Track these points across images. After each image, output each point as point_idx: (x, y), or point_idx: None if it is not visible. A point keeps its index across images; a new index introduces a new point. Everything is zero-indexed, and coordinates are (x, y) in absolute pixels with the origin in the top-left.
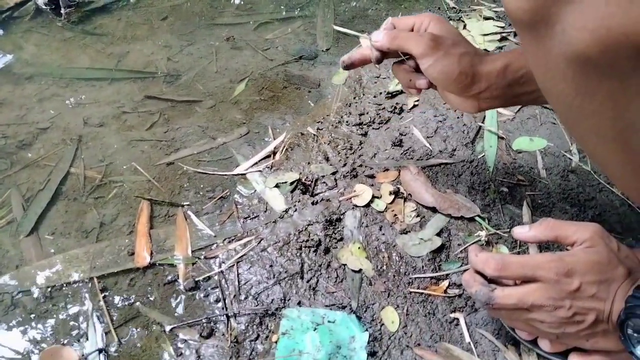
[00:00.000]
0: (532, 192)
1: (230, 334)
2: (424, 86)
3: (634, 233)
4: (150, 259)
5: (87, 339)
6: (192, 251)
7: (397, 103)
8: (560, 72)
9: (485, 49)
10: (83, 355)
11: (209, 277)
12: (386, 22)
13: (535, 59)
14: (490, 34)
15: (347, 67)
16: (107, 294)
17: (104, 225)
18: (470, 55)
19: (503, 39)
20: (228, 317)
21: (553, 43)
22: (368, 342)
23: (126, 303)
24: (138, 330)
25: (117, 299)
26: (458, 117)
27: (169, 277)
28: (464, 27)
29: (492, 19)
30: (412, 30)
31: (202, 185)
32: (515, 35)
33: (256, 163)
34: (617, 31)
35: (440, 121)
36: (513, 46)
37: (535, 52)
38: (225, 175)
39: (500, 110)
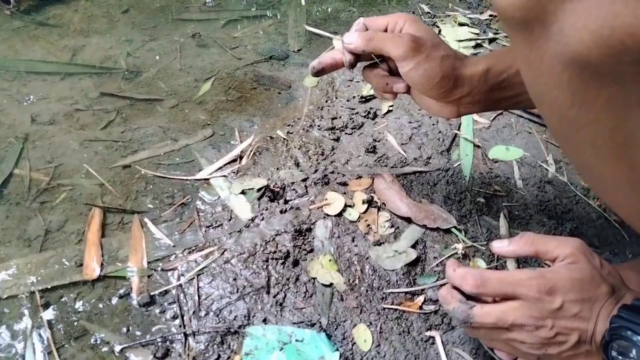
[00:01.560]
0: (509, 203)
1: (188, 355)
2: (402, 90)
3: (611, 247)
4: (101, 271)
5: None
6: (148, 262)
7: (370, 108)
8: (555, 78)
9: None
10: None
11: (166, 292)
12: (357, 22)
13: (527, 62)
14: (465, 40)
15: (318, 73)
16: (50, 309)
17: (50, 232)
18: (451, 58)
19: (478, 45)
20: (186, 336)
21: (548, 44)
22: None
23: (71, 320)
24: (84, 350)
25: (61, 315)
26: (433, 124)
27: (121, 291)
28: (439, 32)
29: (467, 25)
30: (385, 31)
31: (161, 191)
32: (490, 42)
33: (221, 167)
34: (622, 31)
35: (415, 128)
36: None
37: (528, 54)
38: (187, 180)
39: (476, 117)
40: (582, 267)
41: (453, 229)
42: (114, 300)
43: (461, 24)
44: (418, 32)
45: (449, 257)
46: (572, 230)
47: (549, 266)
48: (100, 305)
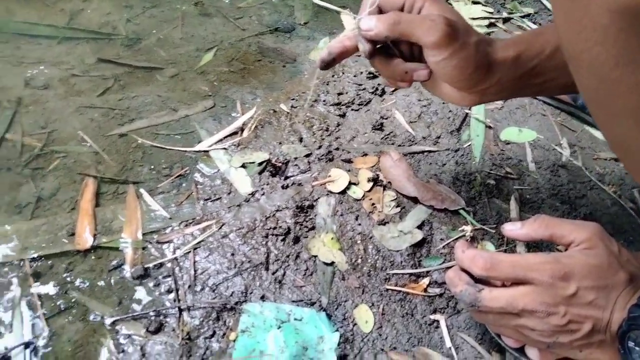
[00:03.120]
0: (521, 187)
1: (182, 330)
2: (424, 78)
3: (625, 235)
4: (94, 241)
5: (12, 331)
6: (143, 234)
7: (378, 84)
8: (599, 32)
9: None
10: (5, 349)
11: (161, 264)
12: (370, 2)
13: (567, 15)
14: (478, 18)
15: (328, 65)
16: (39, 279)
17: (42, 200)
18: (484, 44)
19: (491, 24)
20: (180, 311)
21: None
22: (338, 344)
23: (62, 290)
24: (74, 322)
25: (51, 285)
26: (444, 103)
27: (114, 263)
28: None
29: (480, 3)
30: (401, 11)
31: (158, 161)
32: (504, 21)
33: (221, 140)
34: None
35: (425, 106)
36: (502, 34)
37: (569, 5)
38: (186, 151)
39: None
40: (600, 252)
41: (461, 211)
42: (107, 272)
43: (474, 2)
44: (444, 13)
45: (457, 239)
46: (585, 216)
47: (561, 251)
48: (92, 277)
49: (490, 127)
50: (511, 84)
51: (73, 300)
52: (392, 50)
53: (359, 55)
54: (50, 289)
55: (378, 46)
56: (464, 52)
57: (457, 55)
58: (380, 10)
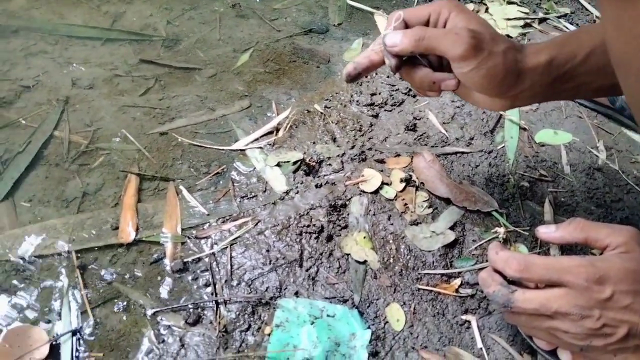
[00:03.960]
0: (555, 189)
1: (219, 323)
2: (453, 88)
3: None
4: (136, 235)
5: (60, 319)
6: (182, 229)
7: None
8: None
9: (507, 35)
10: (54, 336)
11: (199, 259)
12: (395, 17)
13: (618, 23)
14: (513, 19)
15: (354, 78)
16: (85, 270)
17: (87, 195)
18: (512, 51)
19: (527, 25)
20: (217, 304)
21: None
22: (370, 341)
23: (106, 282)
24: (117, 312)
25: (96, 276)
26: None
27: (155, 256)
28: (486, 10)
29: (516, 3)
30: (427, 24)
31: (197, 159)
32: (540, 22)
33: (257, 139)
34: None
35: (458, 107)
36: (537, 34)
37: (621, 13)
38: (223, 149)
39: None
40: (636, 257)
41: (494, 213)
42: (148, 265)
43: (510, 2)
44: (470, 24)
45: (489, 240)
46: (621, 220)
47: (596, 255)
48: (134, 269)
49: (524, 129)
50: (543, 89)
51: (116, 291)
52: (419, 60)
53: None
54: (95, 280)
55: (404, 58)
56: (491, 62)
57: (484, 65)
58: (406, 24)
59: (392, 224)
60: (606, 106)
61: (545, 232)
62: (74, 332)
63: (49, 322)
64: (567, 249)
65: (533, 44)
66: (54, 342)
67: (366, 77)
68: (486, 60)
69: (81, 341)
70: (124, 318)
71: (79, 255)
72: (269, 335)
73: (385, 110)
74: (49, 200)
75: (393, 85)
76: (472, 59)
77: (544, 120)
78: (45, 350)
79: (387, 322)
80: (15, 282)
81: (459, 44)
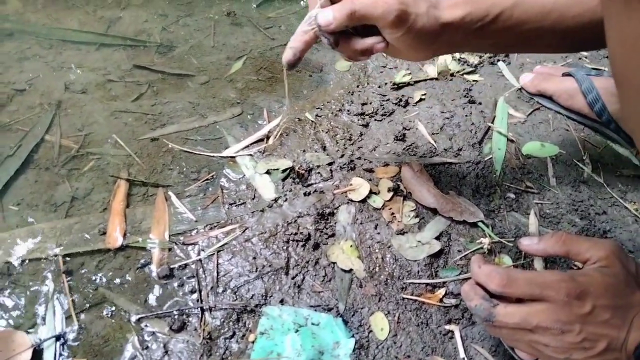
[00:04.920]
0: (541, 201)
1: (204, 330)
2: (384, 48)
3: None
4: (123, 241)
5: (44, 324)
6: (170, 235)
7: (402, 95)
8: None
9: None
10: (37, 341)
11: (186, 265)
12: None
13: (621, 36)
14: None
15: (294, 64)
16: (71, 275)
17: (76, 199)
18: (432, 9)
19: None
20: (202, 311)
21: None
22: (353, 350)
23: (92, 287)
24: (102, 317)
25: (82, 281)
26: (466, 115)
27: (142, 262)
28: None
29: None
30: None
31: (187, 166)
32: None
33: (247, 146)
34: None
35: (447, 118)
36: None
37: (624, 26)
38: (213, 156)
39: (512, 112)
40: (616, 271)
41: (480, 223)
42: (134, 271)
43: None
44: None
45: (474, 251)
46: (605, 233)
47: (579, 268)
48: (120, 275)
49: (512, 141)
50: (460, 41)
51: (101, 296)
52: (348, 30)
53: (383, 66)
54: (80, 285)
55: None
56: (418, 25)
57: (413, 29)
58: None
59: (378, 233)
60: (593, 119)
61: (528, 244)
62: (57, 337)
63: (33, 326)
64: (550, 260)
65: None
66: (37, 347)
67: (357, 86)
68: (414, 25)
69: (65, 346)
70: (109, 323)
71: (65, 260)
72: (253, 342)
73: (375, 119)
74: (38, 204)
75: (384, 95)
76: (402, 25)
77: (531, 132)
78: (27, 355)
79: (371, 331)
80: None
81: (388, 12)
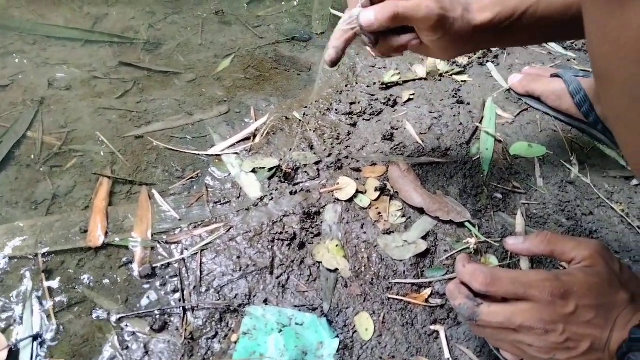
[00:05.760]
0: (527, 201)
1: (185, 330)
2: (418, 46)
3: (631, 253)
4: (105, 239)
5: (22, 324)
6: (153, 234)
7: (391, 95)
8: (637, 52)
9: None
10: (15, 341)
11: (168, 264)
12: None
13: (603, 32)
14: None
15: (336, 62)
16: (51, 274)
17: (57, 197)
18: (465, 12)
19: None
20: (185, 310)
21: (636, 9)
22: (337, 350)
23: (71, 286)
24: (81, 317)
25: (62, 280)
26: (454, 116)
27: (123, 261)
28: None
29: None
30: None
31: (171, 164)
32: None
33: (234, 144)
34: None
35: (436, 118)
36: None
37: (606, 22)
38: (199, 154)
39: (500, 112)
40: (600, 270)
41: (467, 223)
42: (116, 270)
43: None
44: None
45: (461, 251)
46: (591, 233)
47: (564, 268)
48: (102, 274)
49: (499, 141)
50: (488, 41)
51: (82, 296)
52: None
53: (372, 66)
54: (60, 284)
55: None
56: (454, 29)
57: (448, 33)
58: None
59: (365, 233)
60: (580, 120)
61: (513, 243)
62: (34, 337)
63: (9, 326)
64: (537, 260)
65: (477, 0)
66: (13, 348)
67: (346, 86)
68: (450, 29)
69: (42, 346)
70: (88, 323)
71: (45, 258)
72: (235, 343)
73: (363, 119)
74: (18, 202)
75: (372, 95)
76: (441, 29)
77: (519, 133)
78: (3, 355)
79: (355, 331)
80: None
81: (429, 17)
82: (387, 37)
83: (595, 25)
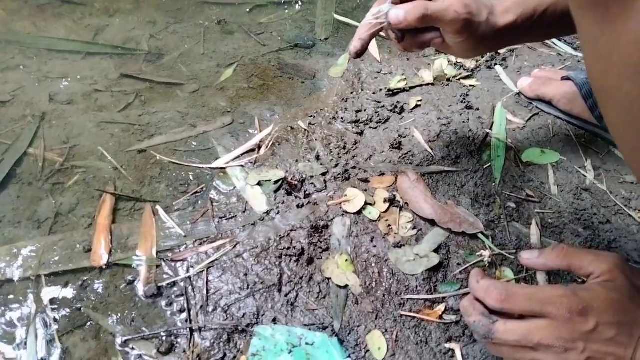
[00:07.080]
0: (542, 210)
1: (193, 352)
2: (440, 44)
3: None
4: (109, 258)
5: (26, 348)
6: (158, 252)
7: (398, 102)
8: (630, 68)
9: None
10: None
11: (174, 283)
12: None
13: (596, 48)
14: None
15: (360, 53)
16: (55, 295)
17: (60, 215)
18: (490, 15)
19: None
20: (192, 332)
21: (628, 26)
22: None
23: (76, 307)
24: (86, 340)
25: (65, 302)
26: (464, 122)
27: (128, 280)
28: None
29: None
30: None
31: (175, 178)
32: None
33: (238, 157)
34: None
35: (445, 125)
36: None
37: (598, 37)
38: (203, 168)
39: (510, 117)
40: (620, 285)
41: (480, 235)
42: (120, 290)
43: None
44: None
45: (474, 264)
46: (609, 243)
47: (583, 282)
48: (106, 294)
49: (511, 148)
50: (509, 40)
51: (86, 318)
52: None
53: (378, 72)
54: (64, 306)
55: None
56: (479, 32)
57: (474, 35)
58: None
59: (375, 246)
60: (593, 124)
61: (528, 258)
62: None
63: (13, 350)
64: (554, 273)
65: (500, 2)
66: None
67: (351, 93)
68: (476, 32)
69: None
70: (94, 346)
71: (48, 279)
72: None
73: (370, 127)
74: (20, 221)
75: (379, 102)
76: (466, 32)
77: (531, 138)
78: None
79: (368, 350)
80: None
81: (457, 20)
82: (411, 33)
83: (587, 43)
